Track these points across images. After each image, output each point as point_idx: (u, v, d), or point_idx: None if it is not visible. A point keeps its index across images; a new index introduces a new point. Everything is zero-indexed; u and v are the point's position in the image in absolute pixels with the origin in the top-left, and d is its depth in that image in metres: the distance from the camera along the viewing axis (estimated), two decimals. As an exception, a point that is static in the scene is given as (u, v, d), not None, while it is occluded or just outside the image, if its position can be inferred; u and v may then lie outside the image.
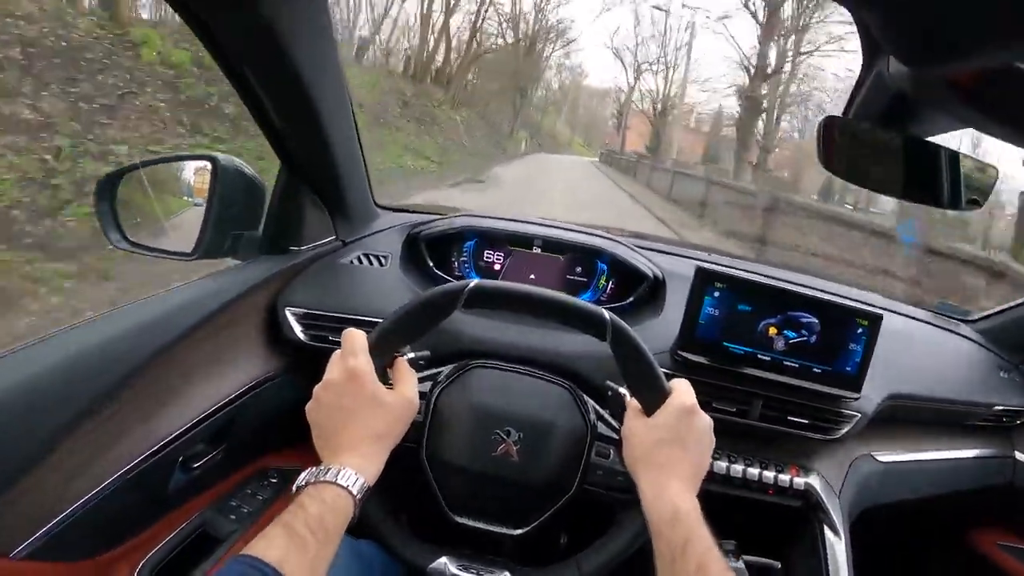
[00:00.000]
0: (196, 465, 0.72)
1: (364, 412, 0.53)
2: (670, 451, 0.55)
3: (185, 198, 0.87)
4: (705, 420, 0.57)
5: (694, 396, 0.58)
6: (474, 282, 0.57)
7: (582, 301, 0.58)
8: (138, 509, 0.68)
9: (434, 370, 0.67)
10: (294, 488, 0.49)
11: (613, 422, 0.66)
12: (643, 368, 0.57)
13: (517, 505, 0.62)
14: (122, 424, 0.62)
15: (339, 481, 0.48)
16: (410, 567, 0.60)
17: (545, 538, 0.64)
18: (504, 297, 0.58)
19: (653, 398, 0.57)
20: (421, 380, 0.61)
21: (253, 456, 0.87)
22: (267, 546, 0.43)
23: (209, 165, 0.84)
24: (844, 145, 0.62)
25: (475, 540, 0.63)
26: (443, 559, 0.60)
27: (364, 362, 0.54)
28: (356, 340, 0.56)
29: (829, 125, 0.63)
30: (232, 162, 0.85)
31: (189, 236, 0.86)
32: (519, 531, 0.62)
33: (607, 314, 0.57)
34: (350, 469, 0.49)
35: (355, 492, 0.49)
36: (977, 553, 1.14)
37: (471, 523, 0.62)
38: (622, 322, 0.57)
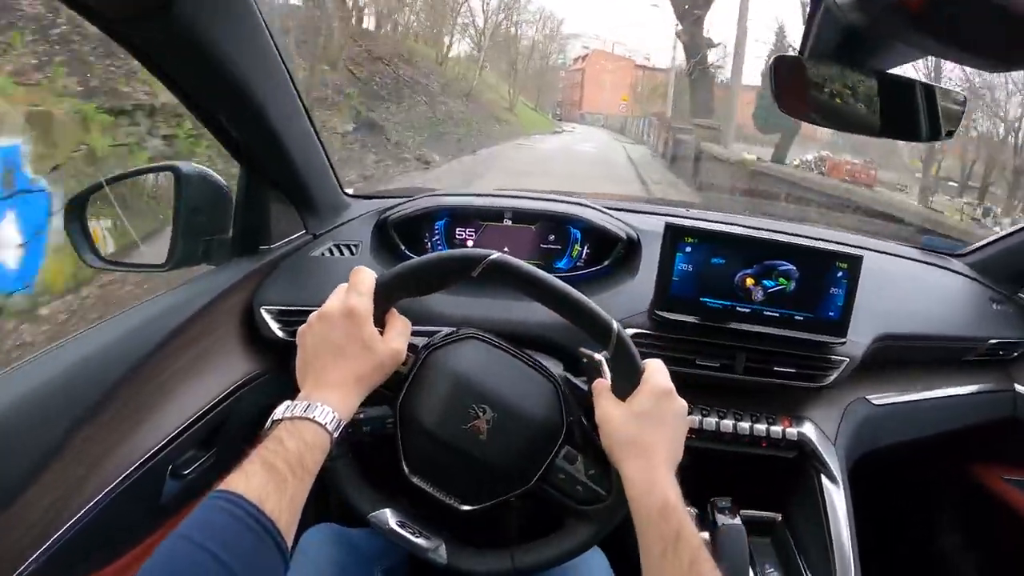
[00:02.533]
0: (187, 472, 0.73)
1: (353, 352, 0.53)
2: (653, 434, 0.54)
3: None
4: (681, 403, 0.56)
5: (669, 378, 0.57)
6: (496, 254, 0.56)
7: (595, 306, 0.57)
8: (134, 522, 0.68)
9: (432, 328, 0.65)
10: (269, 421, 0.49)
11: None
12: (633, 368, 0.56)
13: (472, 482, 0.60)
14: (106, 441, 0.63)
15: (317, 419, 0.48)
16: (354, 511, 0.60)
17: (493, 520, 0.62)
18: (521, 278, 0.56)
19: (631, 386, 0.56)
20: (416, 334, 0.61)
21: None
22: (247, 483, 0.42)
23: (171, 175, 0.85)
24: (810, 86, 0.61)
25: (425, 504, 0.61)
26: (386, 511, 0.59)
27: (365, 303, 0.54)
28: (364, 280, 0.55)
29: (781, 64, 0.61)
30: (195, 169, 0.84)
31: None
32: (467, 507, 0.60)
33: (615, 325, 0.56)
34: (328, 407, 0.49)
35: (332, 431, 0.49)
36: (982, 488, 1.14)
37: (424, 486, 0.60)
38: (626, 334, 0.56)
